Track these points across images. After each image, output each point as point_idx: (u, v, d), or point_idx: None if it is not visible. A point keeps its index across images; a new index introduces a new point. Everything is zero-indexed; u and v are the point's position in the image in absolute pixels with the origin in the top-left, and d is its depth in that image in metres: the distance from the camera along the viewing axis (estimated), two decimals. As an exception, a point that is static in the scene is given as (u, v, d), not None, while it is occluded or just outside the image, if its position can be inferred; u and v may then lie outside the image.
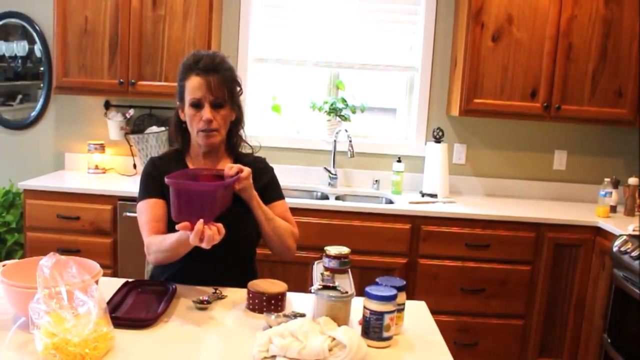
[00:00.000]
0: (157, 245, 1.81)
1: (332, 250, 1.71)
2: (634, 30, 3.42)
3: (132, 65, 3.51)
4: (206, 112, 1.91)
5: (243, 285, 1.79)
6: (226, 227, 1.63)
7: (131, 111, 3.81)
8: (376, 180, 3.87)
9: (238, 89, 2.02)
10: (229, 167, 1.86)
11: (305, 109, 3.96)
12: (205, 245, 1.59)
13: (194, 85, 1.92)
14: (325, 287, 1.57)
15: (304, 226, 2.95)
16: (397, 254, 3.30)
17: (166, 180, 1.66)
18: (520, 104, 3.50)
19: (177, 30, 3.49)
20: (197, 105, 1.92)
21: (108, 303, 1.57)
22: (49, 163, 3.99)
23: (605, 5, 3.39)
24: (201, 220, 1.58)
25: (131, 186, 3.43)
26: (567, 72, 3.46)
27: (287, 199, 2.15)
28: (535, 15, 3.41)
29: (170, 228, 1.82)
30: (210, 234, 1.57)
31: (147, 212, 1.92)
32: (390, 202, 3.63)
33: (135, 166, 3.89)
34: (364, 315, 1.53)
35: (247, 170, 1.86)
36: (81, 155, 3.94)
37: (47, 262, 1.44)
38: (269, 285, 1.75)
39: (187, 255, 1.79)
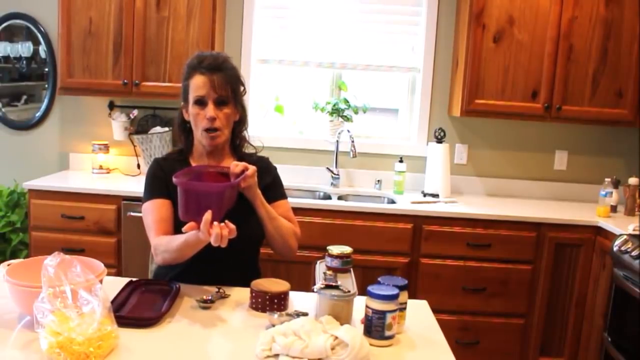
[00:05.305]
0: (165, 245, 1.82)
1: (335, 249, 1.72)
2: (634, 31, 3.42)
3: (136, 66, 3.53)
4: (209, 110, 1.92)
5: (246, 284, 1.80)
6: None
7: (135, 112, 3.83)
8: (378, 180, 3.88)
9: (242, 88, 2.03)
10: (235, 165, 1.86)
11: (308, 110, 3.97)
12: (213, 242, 1.58)
13: (197, 83, 1.93)
14: (327, 287, 1.59)
15: (306, 226, 2.97)
16: (399, 253, 3.32)
17: (174, 180, 1.66)
18: (521, 104, 3.51)
19: (180, 32, 3.50)
20: (200, 102, 1.94)
21: (112, 302, 1.58)
22: (53, 163, 4.01)
23: (605, 6, 3.40)
24: (209, 212, 1.58)
25: (135, 186, 3.44)
26: (568, 73, 3.46)
27: (289, 199, 2.16)
28: (536, 16, 3.42)
29: (176, 228, 1.84)
30: (219, 232, 1.57)
31: (153, 212, 1.93)
32: (392, 202, 3.64)
33: (139, 166, 3.90)
34: (366, 314, 1.55)
35: (252, 169, 1.87)
36: (85, 155, 3.96)
37: (51, 261, 1.45)
38: (272, 284, 1.76)
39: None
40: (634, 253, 2.77)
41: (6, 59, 3.95)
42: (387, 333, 1.53)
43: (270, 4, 3.91)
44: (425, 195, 3.67)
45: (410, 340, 1.60)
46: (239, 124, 2.06)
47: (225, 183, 1.80)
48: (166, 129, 3.72)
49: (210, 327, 1.60)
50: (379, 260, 3.29)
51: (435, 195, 3.62)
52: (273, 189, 2.09)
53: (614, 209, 3.47)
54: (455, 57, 3.75)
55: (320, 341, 1.38)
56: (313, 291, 1.61)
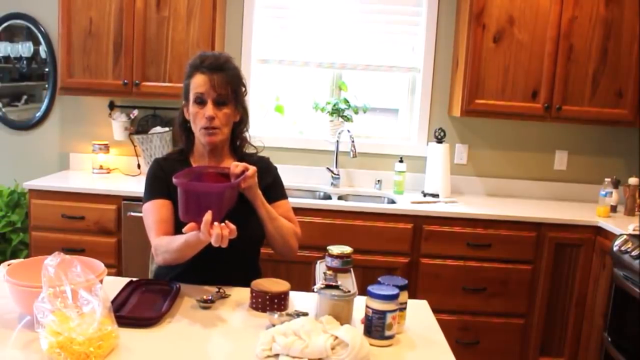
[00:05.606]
0: (166, 246, 1.82)
1: (335, 249, 1.72)
2: (634, 31, 3.43)
3: (136, 66, 3.53)
4: (208, 109, 1.92)
5: (247, 284, 1.80)
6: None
7: (135, 112, 3.83)
8: (378, 180, 3.89)
9: (243, 89, 2.03)
10: (235, 165, 1.86)
11: (308, 110, 3.97)
12: (214, 242, 1.58)
13: (198, 82, 1.94)
14: (327, 287, 1.59)
15: (306, 226, 2.96)
16: (399, 253, 3.32)
17: (174, 180, 1.66)
18: (522, 104, 3.51)
19: (180, 32, 3.51)
20: (200, 101, 1.93)
21: (112, 302, 1.58)
22: (53, 163, 4.01)
23: (605, 6, 3.40)
24: (210, 212, 1.58)
25: (135, 186, 3.45)
26: (568, 73, 3.47)
27: (290, 199, 2.16)
28: (536, 16, 3.42)
29: (177, 228, 1.84)
30: (219, 232, 1.57)
31: (153, 213, 1.93)
32: (392, 202, 3.65)
33: (139, 166, 3.91)
34: (366, 314, 1.55)
35: (252, 169, 1.87)
36: (86, 155, 3.96)
37: (52, 261, 1.45)
38: (272, 284, 1.77)
39: (192, 255, 1.81)
40: (634, 253, 2.77)
41: (6, 59, 3.95)
42: (387, 333, 1.53)
43: (270, 4, 3.91)
44: (425, 195, 3.67)
45: (410, 340, 1.60)
46: (240, 124, 2.06)
47: (225, 183, 1.80)
48: (166, 129, 3.72)
49: (210, 327, 1.60)
50: (379, 260, 3.29)
51: (436, 195, 3.62)
52: (273, 189, 2.09)
53: (614, 209, 3.47)
54: (455, 57, 3.75)
55: (320, 341, 1.39)
56: (313, 291, 1.61)
